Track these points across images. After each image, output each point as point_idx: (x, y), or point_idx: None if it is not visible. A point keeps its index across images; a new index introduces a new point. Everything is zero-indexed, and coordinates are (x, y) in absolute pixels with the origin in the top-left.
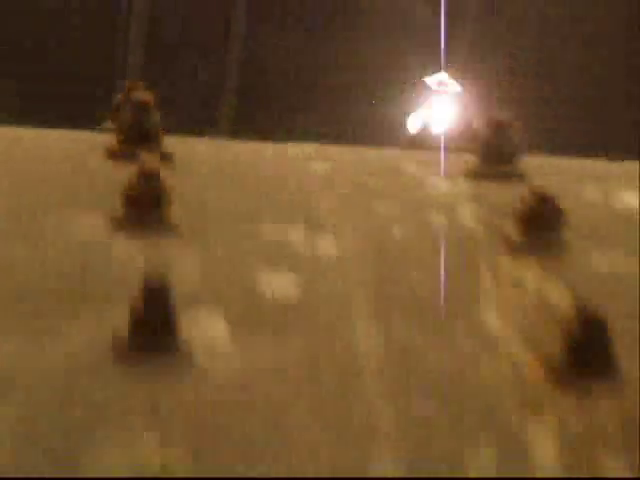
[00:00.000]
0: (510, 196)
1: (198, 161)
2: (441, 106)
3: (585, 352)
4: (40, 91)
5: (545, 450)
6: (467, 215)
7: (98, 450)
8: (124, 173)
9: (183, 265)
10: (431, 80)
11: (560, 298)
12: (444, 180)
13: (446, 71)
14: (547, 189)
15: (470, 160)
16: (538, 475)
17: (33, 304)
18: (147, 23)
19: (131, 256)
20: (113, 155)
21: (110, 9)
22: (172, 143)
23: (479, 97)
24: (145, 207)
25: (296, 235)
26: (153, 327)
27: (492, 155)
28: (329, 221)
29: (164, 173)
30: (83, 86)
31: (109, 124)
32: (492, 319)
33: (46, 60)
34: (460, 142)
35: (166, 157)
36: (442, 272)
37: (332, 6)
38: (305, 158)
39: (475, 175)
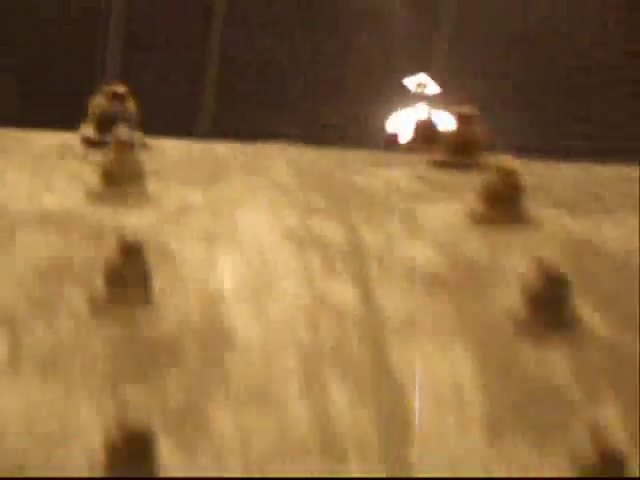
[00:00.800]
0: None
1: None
2: (420, 107)
3: None
4: (19, 86)
5: None
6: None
7: None
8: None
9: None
10: (410, 81)
11: None
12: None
13: (425, 72)
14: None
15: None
16: None
17: None
18: (125, 22)
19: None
20: (97, 196)
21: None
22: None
23: (458, 98)
24: (127, 286)
25: None
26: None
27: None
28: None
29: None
30: (63, 81)
31: (87, 127)
32: None
33: (27, 55)
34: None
35: (150, 199)
36: None
37: (313, 6)
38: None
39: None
